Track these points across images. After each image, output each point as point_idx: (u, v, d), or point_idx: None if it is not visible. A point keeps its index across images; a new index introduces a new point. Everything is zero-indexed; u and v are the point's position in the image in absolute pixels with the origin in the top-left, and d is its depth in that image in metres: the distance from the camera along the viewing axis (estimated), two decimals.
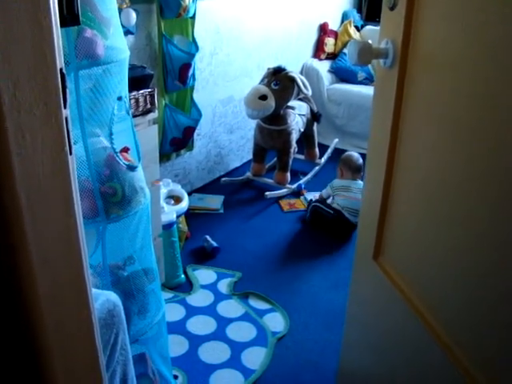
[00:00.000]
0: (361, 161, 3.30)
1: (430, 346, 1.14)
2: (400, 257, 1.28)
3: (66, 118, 0.80)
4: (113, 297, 1.11)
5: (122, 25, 2.52)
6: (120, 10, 2.58)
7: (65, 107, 0.79)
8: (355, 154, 3.38)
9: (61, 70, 0.77)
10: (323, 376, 2.10)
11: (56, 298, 0.85)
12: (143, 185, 1.36)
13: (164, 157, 3.24)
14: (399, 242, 1.28)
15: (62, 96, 0.78)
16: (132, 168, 1.29)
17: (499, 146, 0.88)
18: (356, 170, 3.29)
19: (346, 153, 3.49)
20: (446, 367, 1.08)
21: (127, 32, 2.70)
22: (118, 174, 1.25)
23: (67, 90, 0.80)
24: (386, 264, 1.33)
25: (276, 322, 2.38)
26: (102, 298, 1.08)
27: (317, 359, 2.18)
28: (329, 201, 3.29)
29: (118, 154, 1.25)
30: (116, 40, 1.24)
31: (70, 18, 0.80)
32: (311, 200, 3.38)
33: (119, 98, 1.25)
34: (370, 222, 1.38)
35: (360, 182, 3.25)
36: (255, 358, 2.15)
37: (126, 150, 1.36)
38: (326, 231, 3.14)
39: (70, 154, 0.82)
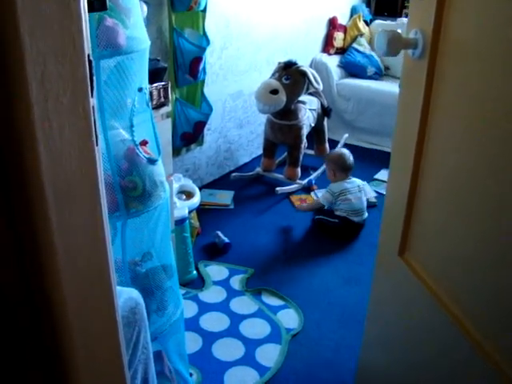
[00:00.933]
0: (352, 158, 3.21)
1: (458, 342, 1.12)
2: (427, 252, 1.25)
3: (93, 107, 0.77)
4: (135, 294, 1.08)
5: None
6: None
7: (92, 96, 0.76)
8: (346, 152, 3.25)
9: (88, 56, 0.74)
10: (339, 373, 2.07)
11: (80, 294, 0.82)
12: (163, 179, 1.33)
13: (174, 152, 3.20)
14: (426, 237, 1.25)
15: (89, 84, 0.75)
16: (152, 161, 1.26)
17: None
18: (348, 169, 3.19)
19: (334, 151, 3.40)
20: (476, 362, 1.06)
21: None
22: (138, 168, 1.21)
23: (94, 78, 0.77)
24: (413, 260, 1.30)
25: (290, 318, 2.35)
26: (125, 296, 1.05)
27: (332, 356, 2.15)
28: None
29: (139, 147, 1.21)
30: (136, 30, 1.21)
31: (97, 2, 0.77)
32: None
33: (140, 90, 1.21)
34: (394, 219, 1.34)
35: (354, 179, 3.19)
36: (269, 355, 2.12)
37: (144, 142, 1.32)
38: (334, 237, 3.08)
39: (97, 144, 0.79)
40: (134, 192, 1.21)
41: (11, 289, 0.75)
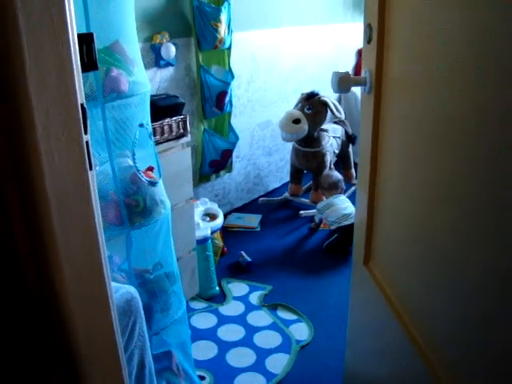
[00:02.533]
0: (335, 177, 3.61)
1: (410, 354, 1.24)
2: (385, 262, 1.46)
3: (87, 142, 1.06)
4: (132, 290, 1.35)
5: (162, 58, 2.84)
6: (161, 44, 2.90)
7: (85, 133, 1.05)
8: (329, 173, 3.69)
9: (82, 105, 1.03)
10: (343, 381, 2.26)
11: (79, 284, 1.09)
12: (164, 198, 1.61)
13: (204, 178, 3.51)
14: (384, 248, 1.46)
15: (82, 125, 1.03)
16: (153, 184, 1.55)
17: (454, 157, 1.06)
18: (330, 188, 3.58)
19: (324, 173, 3.76)
20: (425, 376, 1.16)
21: (168, 64, 3.01)
22: (141, 189, 1.50)
23: (88, 121, 1.06)
24: (375, 269, 1.51)
25: (301, 331, 2.57)
26: (122, 291, 1.32)
27: (338, 365, 2.34)
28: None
29: (140, 172, 1.51)
30: (139, 76, 1.51)
31: (89, 64, 1.06)
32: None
33: (141, 125, 1.50)
34: (360, 230, 1.56)
35: (342, 196, 3.55)
36: (278, 363, 2.35)
37: (151, 168, 1.61)
38: (345, 252, 3.30)
39: (90, 169, 1.08)
40: (136, 208, 1.50)
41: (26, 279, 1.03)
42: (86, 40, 1.06)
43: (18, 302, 1.06)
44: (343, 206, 3.41)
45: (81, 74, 1.05)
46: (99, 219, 1.13)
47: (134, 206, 1.49)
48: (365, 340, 1.66)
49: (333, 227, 3.39)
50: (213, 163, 3.49)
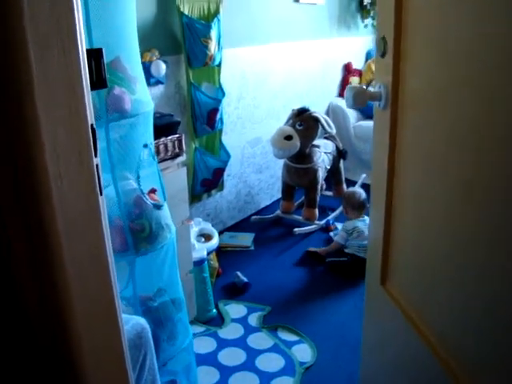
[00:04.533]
0: (363, 196, 3.40)
1: (436, 372, 1.20)
2: (403, 282, 1.39)
3: (97, 165, 0.97)
4: (142, 321, 1.26)
5: (152, 75, 2.77)
6: (150, 62, 2.82)
7: (95, 156, 0.97)
8: (357, 191, 3.48)
9: (91, 125, 0.95)
10: None
11: (90, 319, 1.00)
12: (169, 222, 1.53)
13: (195, 198, 3.42)
14: (402, 267, 1.40)
15: (92, 147, 0.95)
16: (158, 207, 1.46)
17: (485, 174, 1.00)
18: (360, 207, 3.39)
19: (349, 189, 3.59)
20: None
21: (158, 82, 2.94)
22: (145, 212, 1.42)
23: (97, 142, 0.98)
24: (393, 289, 1.45)
25: (304, 352, 2.48)
26: (132, 322, 1.23)
27: None
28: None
29: (145, 195, 1.42)
30: (142, 94, 1.43)
31: (98, 82, 0.98)
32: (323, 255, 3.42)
33: (145, 146, 1.42)
34: (376, 250, 1.50)
35: (367, 217, 3.33)
36: None
37: (153, 190, 1.53)
38: (345, 275, 3.20)
39: (101, 194, 0.99)
40: (142, 233, 1.42)
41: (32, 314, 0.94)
42: (94, 56, 0.99)
43: (21, 341, 0.97)
44: (367, 234, 3.21)
45: (90, 91, 0.97)
46: (110, 248, 1.05)
47: (139, 231, 1.41)
48: (383, 360, 1.59)
49: (347, 250, 3.29)
50: (205, 182, 3.41)
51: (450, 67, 1.07)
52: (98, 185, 0.98)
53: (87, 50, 0.94)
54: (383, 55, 1.33)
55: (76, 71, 0.89)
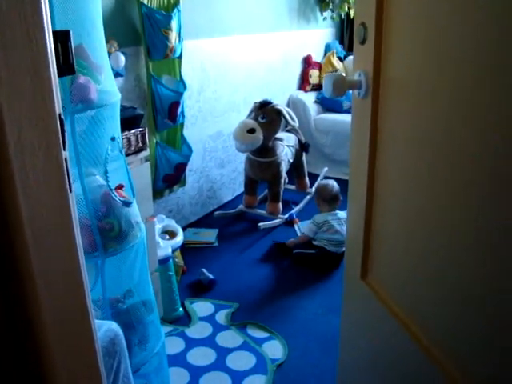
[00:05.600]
0: (336, 189, 3.32)
1: (420, 361, 1.19)
2: (386, 275, 1.35)
3: (66, 159, 0.88)
4: (114, 326, 1.17)
5: (111, 68, 2.65)
6: (109, 54, 2.69)
7: (64, 149, 0.87)
8: (330, 184, 3.37)
9: (59, 115, 0.85)
10: None
11: (62, 329, 0.91)
12: (138, 219, 1.44)
13: (157, 194, 3.31)
14: (383, 260, 1.36)
15: (61, 139, 0.86)
16: (127, 204, 1.37)
17: (465, 164, 0.97)
18: (332, 201, 3.29)
19: (321, 182, 3.48)
20: (439, 382, 1.13)
21: (117, 74, 2.81)
22: (114, 210, 1.32)
23: (66, 134, 0.89)
24: (374, 282, 1.40)
25: (275, 349, 2.43)
26: (104, 328, 1.14)
27: (317, 382, 2.22)
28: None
29: (114, 191, 1.33)
30: (108, 84, 1.34)
31: (66, 67, 0.89)
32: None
33: (113, 139, 1.33)
34: (355, 244, 1.45)
35: (338, 212, 3.29)
36: None
37: (120, 187, 1.43)
38: (313, 268, 3.16)
39: (70, 191, 0.90)
40: (111, 233, 1.32)
41: None
42: (61, 38, 0.89)
43: None
44: (339, 228, 3.19)
45: (57, 78, 0.88)
46: (81, 250, 0.96)
47: (107, 231, 1.31)
48: (363, 354, 1.54)
49: (315, 243, 3.23)
50: (166, 178, 3.30)
51: (437, 54, 1.02)
52: (67, 181, 0.89)
53: (53, 32, 0.84)
54: (363, 42, 1.28)
55: (42, 54, 0.80)
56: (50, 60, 0.82)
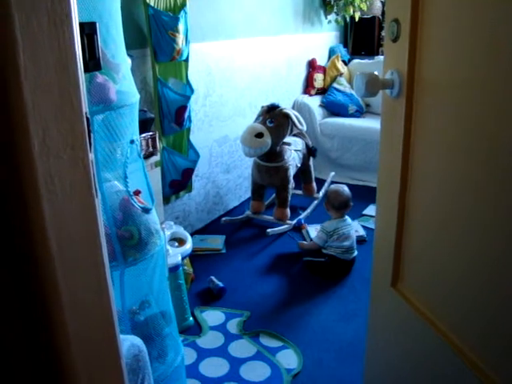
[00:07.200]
0: (347, 194, 3.20)
1: (459, 369, 1.13)
2: (421, 281, 1.28)
3: (92, 162, 0.81)
4: (137, 341, 1.10)
5: None
6: None
7: (90, 151, 0.80)
8: (341, 189, 3.25)
9: (86, 114, 0.78)
10: None
11: (87, 346, 0.84)
12: (158, 227, 1.36)
13: (164, 200, 3.23)
14: (418, 266, 1.29)
15: (88, 140, 0.79)
16: (147, 210, 1.30)
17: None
18: (342, 207, 3.18)
19: (332, 187, 3.36)
20: None
21: None
22: (133, 217, 1.25)
23: (92, 134, 0.81)
24: (406, 290, 1.34)
25: (289, 358, 2.35)
26: (127, 343, 1.07)
27: None
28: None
29: (133, 197, 1.25)
30: (125, 84, 1.27)
31: (92, 63, 0.82)
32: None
33: (132, 142, 1.26)
34: (385, 250, 1.38)
35: (347, 218, 3.20)
36: None
37: (137, 192, 1.36)
38: (324, 276, 3.08)
39: (96, 197, 0.83)
40: (130, 241, 1.25)
41: (19, 344, 0.77)
42: (87, 31, 0.82)
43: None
44: (349, 235, 3.11)
45: (83, 73, 0.81)
46: (107, 260, 0.88)
47: (126, 239, 1.24)
48: (394, 360, 1.47)
49: (325, 251, 3.14)
50: (173, 183, 3.23)
51: (483, 50, 0.96)
52: (93, 185, 0.82)
53: (79, 24, 0.77)
54: (395, 39, 1.21)
55: (69, 47, 0.73)
56: (78, 54, 0.75)
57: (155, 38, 2.83)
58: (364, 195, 4.05)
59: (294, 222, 3.69)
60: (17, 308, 0.75)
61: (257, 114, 3.65)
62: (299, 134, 3.89)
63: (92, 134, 0.81)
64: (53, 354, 0.79)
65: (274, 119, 3.45)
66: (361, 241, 3.40)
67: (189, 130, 3.27)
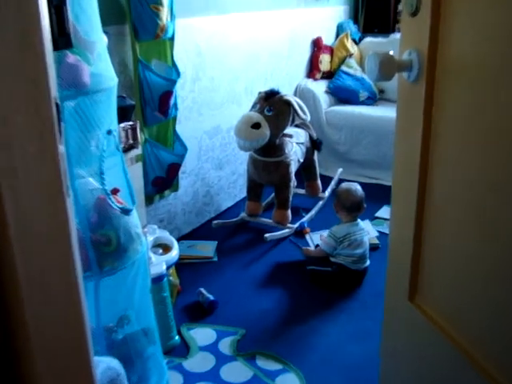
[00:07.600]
0: (360, 194, 3.20)
1: None
2: (441, 295, 1.28)
3: (62, 155, 0.80)
4: (114, 363, 1.10)
5: None
6: None
7: (60, 142, 0.80)
8: (353, 188, 3.23)
9: (55, 99, 0.78)
10: None
11: (54, 369, 0.84)
12: (139, 230, 1.36)
13: (146, 199, 3.23)
14: (439, 279, 1.29)
15: (57, 129, 0.78)
16: (126, 211, 1.29)
17: None
18: (355, 208, 3.16)
19: (343, 186, 3.34)
20: None
21: None
22: (110, 220, 1.25)
23: (62, 123, 0.81)
24: (425, 304, 1.34)
25: (290, 383, 2.35)
26: (103, 366, 1.07)
27: None
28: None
29: (111, 197, 1.25)
30: (101, 66, 1.26)
31: (62, 40, 0.81)
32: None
33: (109, 132, 1.26)
34: (401, 262, 1.39)
35: (359, 222, 3.20)
36: None
37: (115, 191, 1.36)
38: (330, 288, 3.09)
39: (68, 196, 0.82)
40: (107, 247, 1.24)
41: None
42: (56, 2, 0.81)
43: None
44: (362, 241, 3.10)
45: (52, 52, 0.80)
46: (79, 267, 0.88)
47: (103, 245, 1.23)
48: (412, 377, 1.48)
49: (333, 260, 3.14)
50: (157, 181, 3.23)
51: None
52: (64, 182, 0.81)
53: None
54: (415, 14, 1.21)
55: (34, 20, 0.72)
56: (44, 28, 0.74)
57: (135, 13, 2.82)
58: (377, 195, 4.05)
59: (296, 225, 3.70)
60: None
61: (253, 102, 3.64)
62: (302, 125, 3.89)
63: (62, 123, 0.81)
64: (15, 379, 0.79)
65: (273, 107, 3.45)
66: (373, 248, 3.40)
67: (175, 119, 3.26)
